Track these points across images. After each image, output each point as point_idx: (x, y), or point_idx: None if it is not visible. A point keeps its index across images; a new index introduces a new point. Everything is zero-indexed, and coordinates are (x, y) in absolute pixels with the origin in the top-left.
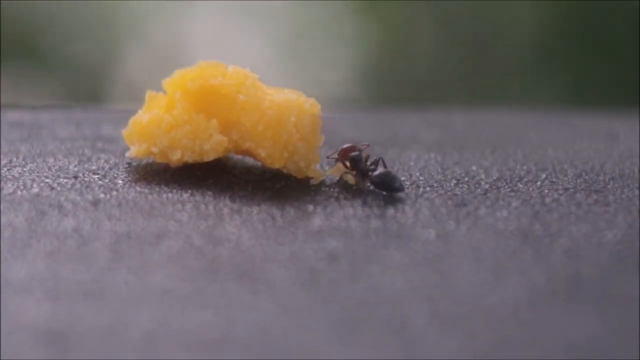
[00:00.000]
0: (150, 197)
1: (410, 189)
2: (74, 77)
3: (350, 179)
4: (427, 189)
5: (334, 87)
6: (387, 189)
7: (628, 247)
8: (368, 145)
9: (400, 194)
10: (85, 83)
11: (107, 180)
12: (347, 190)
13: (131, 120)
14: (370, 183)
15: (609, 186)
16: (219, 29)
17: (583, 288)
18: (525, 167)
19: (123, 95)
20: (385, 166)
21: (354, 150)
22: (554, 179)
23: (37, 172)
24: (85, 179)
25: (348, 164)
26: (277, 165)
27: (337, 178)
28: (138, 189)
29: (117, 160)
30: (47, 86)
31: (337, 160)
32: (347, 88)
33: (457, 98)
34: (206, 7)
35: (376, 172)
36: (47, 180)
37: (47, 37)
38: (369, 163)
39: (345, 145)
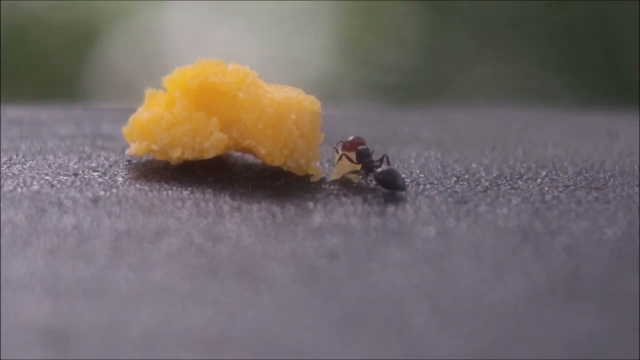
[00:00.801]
0: (150, 194)
1: (410, 187)
2: (52, 74)
3: (354, 177)
4: (427, 186)
5: (318, 72)
6: (390, 187)
7: (628, 244)
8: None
9: (402, 193)
10: (63, 80)
11: (107, 178)
12: (347, 187)
13: (131, 118)
14: (373, 180)
15: (609, 184)
16: (200, 21)
17: (583, 285)
18: (525, 165)
19: (104, 92)
20: (389, 164)
21: (362, 144)
22: (554, 177)
23: (37, 170)
24: (85, 176)
25: (355, 156)
26: (277, 162)
27: (339, 178)
28: (138, 186)
29: (117, 157)
30: (26, 84)
31: (342, 151)
32: (332, 74)
33: (454, 90)
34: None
35: (379, 169)
36: (47, 177)
37: (25, 34)
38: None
39: (352, 137)
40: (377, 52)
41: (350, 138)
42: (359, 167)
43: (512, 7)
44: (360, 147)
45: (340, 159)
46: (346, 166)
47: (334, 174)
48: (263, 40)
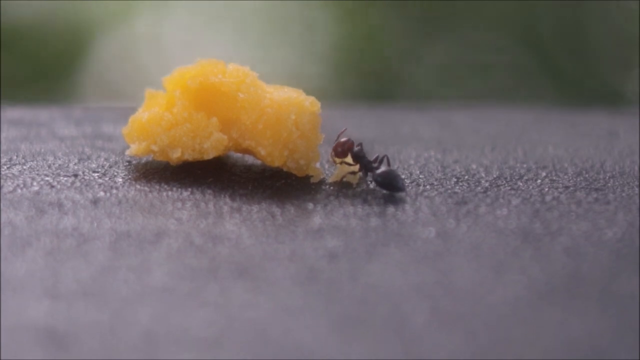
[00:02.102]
0: (150, 195)
1: (410, 187)
2: (44, 75)
3: (353, 178)
4: (427, 187)
5: (311, 80)
6: (389, 188)
7: (628, 245)
8: (345, 129)
9: (401, 194)
10: (55, 81)
11: (107, 179)
12: (347, 188)
13: (131, 119)
14: (373, 181)
15: (609, 184)
16: (193, 26)
17: (583, 286)
18: (525, 165)
19: (93, 94)
20: (389, 164)
21: (352, 146)
22: (554, 177)
23: (37, 171)
24: (85, 177)
25: (350, 159)
26: (277, 163)
27: (338, 180)
28: (138, 187)
29: (117, 158)
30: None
31: (336, 157)
32: (325, 82)
33: (451, 96)
34: (180, 4)
35: (379, 171)
36: (47, 178)
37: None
38: (371, 159)
39: (342, 140)
40: (366, 60)
41: (342, 140)
42: (357, 168)
43: (495, 10)
44: (353, 150)
45: (341, 163)
46: (346, 168)
47: (334, 176)
48: (255, 50)
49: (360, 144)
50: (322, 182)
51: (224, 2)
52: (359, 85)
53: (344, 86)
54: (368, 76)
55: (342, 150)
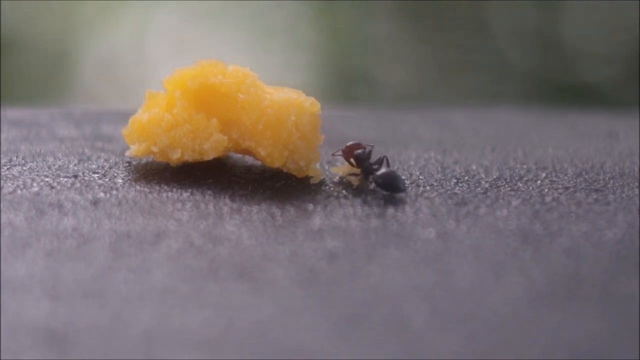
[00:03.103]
0: (150, 196)
1: (410, 188)
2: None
3: (354, 179)
4: (427, 188)
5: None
6: (390, 189)
7: (628, 246)
8: (373, 146)
9: (402, 194)
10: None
11: (106, 180)
12: (347, 189)
13: (131, 119)
14: (373, 182)
15: (609, 185)
16: (181, 33)
17: (583, 287)
18: (525, 166)
19: (78, 99)
20: (388, 165)
21: (359, 148)
22: (554, 178)
23: (37, 171)
24: (85, 178)
25: (352, 161)
26: (277, 164)
27: (338, 178)
28: (138, 188)
29: (117, 159)
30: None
31: (346, 158)
32: (313, 90)
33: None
34: (167, 10)
35: (379, 172)
36: (46, 179)
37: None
38: (372, 161)
39: (350, 143)
40: (360, 68)
41: (349, 144)
42: (359, 170)
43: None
44: (356, 152)
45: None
46: (348, 168)
47: (339, 169)
48: (244, 57)
49: (364, 148)
50: (322, 183)
51: (210, 5)
52: (347, 89)
53: (329, 90)
54: (355, 79)
55: (348, 150)
